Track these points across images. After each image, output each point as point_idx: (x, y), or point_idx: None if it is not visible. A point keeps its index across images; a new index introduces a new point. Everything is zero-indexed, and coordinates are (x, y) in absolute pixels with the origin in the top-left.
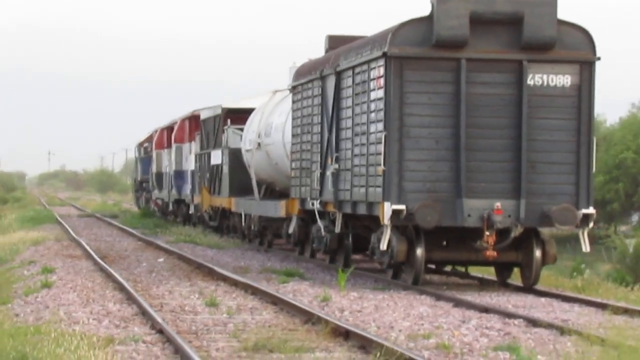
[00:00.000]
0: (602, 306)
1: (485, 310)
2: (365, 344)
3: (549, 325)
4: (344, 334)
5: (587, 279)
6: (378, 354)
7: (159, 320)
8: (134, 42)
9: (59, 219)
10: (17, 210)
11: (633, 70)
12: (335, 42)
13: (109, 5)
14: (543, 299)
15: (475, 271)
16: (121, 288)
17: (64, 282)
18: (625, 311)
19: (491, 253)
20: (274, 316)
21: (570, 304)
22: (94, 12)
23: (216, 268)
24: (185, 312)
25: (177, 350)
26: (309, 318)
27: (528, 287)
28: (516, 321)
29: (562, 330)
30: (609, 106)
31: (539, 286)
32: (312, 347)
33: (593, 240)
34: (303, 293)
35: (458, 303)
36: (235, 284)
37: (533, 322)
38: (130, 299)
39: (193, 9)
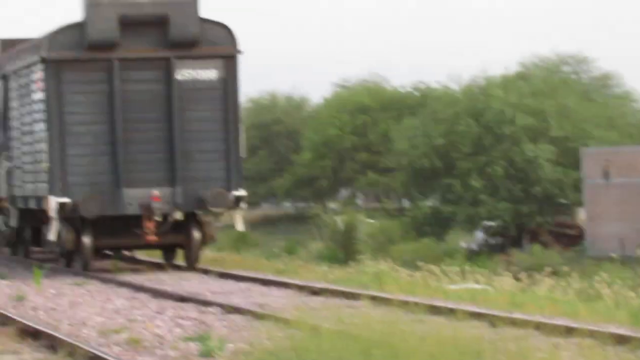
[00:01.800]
0: (300, 288)
1: (182, 299)
2: (54, 343)
3: (245, 311)
4: (33, 334)
5: (288, 261)
6: (65, 353)
7: None
8: None
9: None
10: None
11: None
12: (8, 45)
13: None
14: (242, 284)
15: (147, 255)
16: None
17: None
18: (323, 291)
19: (152, 237)
20: None
21: (268, 288)
22: None
23: None
24: None
25: None
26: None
27: (191, 267)
28: (212, 309)
29: (256, 315)
30: (314, 85)
31: (240, 270)
32: (0, 351)
33: (304, 218)
34: None
35: (156, 294)
36: None
37: (229, 309)
38: None
39: None
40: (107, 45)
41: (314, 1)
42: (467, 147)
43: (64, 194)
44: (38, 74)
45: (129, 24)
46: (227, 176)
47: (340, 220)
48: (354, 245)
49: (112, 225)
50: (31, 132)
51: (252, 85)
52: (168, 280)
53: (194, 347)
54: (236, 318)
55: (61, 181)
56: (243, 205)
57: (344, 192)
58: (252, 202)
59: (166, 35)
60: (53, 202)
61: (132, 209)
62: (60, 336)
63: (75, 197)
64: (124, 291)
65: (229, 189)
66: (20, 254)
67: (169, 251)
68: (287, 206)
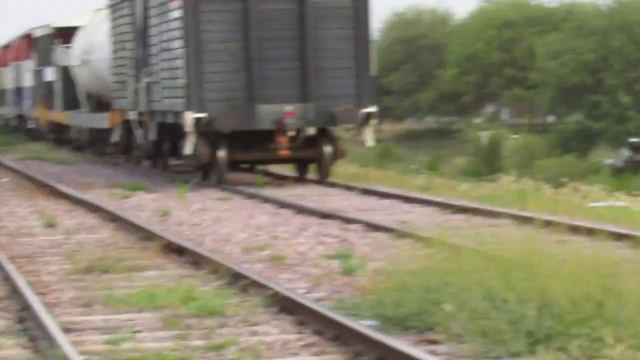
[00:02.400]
0: (443, 205)
1: (326, 216)
2: (198, 259)
3: (387, 229)
4: (178, 250)
5: (431, 178)
6: (207, 270)
7: None
8: None
9: None
10: None
11: None
12: None
13: None
14: (385, 201)
15: (281, 170)
16: None
17: None
18: (466, 209)
19: (284, 152)
20: (112, 234)
21: (411, 205)
22: None
23: (58, 186)
24: (22, 235)
25: (6, 277)
26: (145, 235)
27: (322, 180)
28: (355, 226)
29: (398, 233)
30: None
31: (383, 187)
32: (145, 266)
33: (448, 133)
34: (144, 208)
35: (300, 210)
36: (77, 201)
37: (372, 227)
38: None
39: None
40: None
41: None
42: (619, 63)
43: (199, 109)
44: None
45: None
46: (358, 93)
47: (484, 136)
48: (498, 161)
49: (246, 140)
50: (169, 49)
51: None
52: (311, 196)
53: (336, 264)
54: (378, 235)
55: (197, 97)
56: (373, 121)
57: (488, 108)
58: (396, 115)
59: None
60: (189, 117)
61: (265, 124)
62: (204, 253)
63: (210, 112)
64: (268, 207)
65: (359, 105)
66: (158, 167)
67: (301, 165)
68: (431, 121)
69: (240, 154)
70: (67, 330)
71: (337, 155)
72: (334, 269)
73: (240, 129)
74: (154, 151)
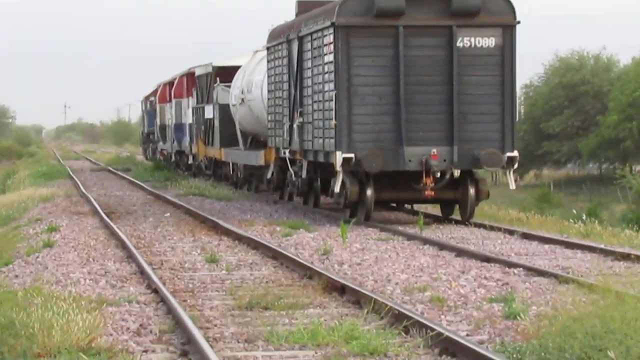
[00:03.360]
0: (605, 252)
1: (486, 259)
2: (359, 298)
3: (549, 274)
4: (339, 289)
5: (591, 224)
6: (369, 309)
7: (155, 279)
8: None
9: (71, 173)
10: (31, 165)
11: None
12: (303, 7)
13: None
14: (546, 246)
15: (428, 209)
16: (123, 246)
17: (66, 241)
18: (628, 257)
19: (429, 192)
20: (273, 271)
21: (573, 251)
22: None
23: (220, 222)
24: (184, 269)
25: (170, 310)
26: (306, 273)
27: (465, 221)
28: (516, 270)
29: (560, 279)
30: (623, 47)
31: (544, 232)
32: (307, 304)
33: (608, 180)
34: (305, 246)
35: (460, 252)
36: (238, 238)
37: (533, 271)
38: (130, 257)
39: None
40: (394, 14)
41: None
42: None
43: (349, 149)
44: (329, 37)
45: None
46: (501, 137)
47: None
48: None
49: (392, 180)
50: (322, 92)
51: (561, 43)
52: (472, 239)
53: (497, 308)
54: (540, 280)
55: (347, 138)
56: (515, 165)
57: None
58: (556, 160)
59: (449, 5)
60: (339, 157)
61: (412, 166)
62: (366, 292)
63: (359, 152)
64: (428, 248)
65: (502, 149)
66: (310, 204)
67: (446, 206)
68: (591, 167)
69: (387, 193)
70: None
71: (480, 197)
72: (496, 312)
73: (387, 169)
74: (306, 189)
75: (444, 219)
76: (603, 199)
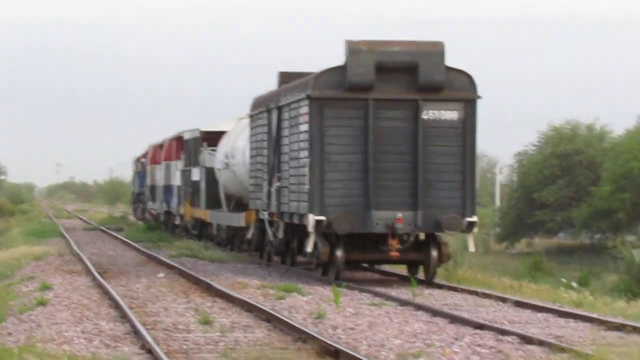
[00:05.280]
0: (598, 322)
1: (480, 326)
2: None
3: (543, 343)
4: (333, 353)
5: (582, 294)
6: None
7: (149, 339)
8: (140, 58)
9: (63, 232)
10: (23, 223)
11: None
12: (285, 78)
13: (113, 25)
14: (539, 314)
15: (398, 269)
16: (117, 305)
17: (59, 300)
18: (621, 327)
19: (395, 254)
20: (267, 334)
21: (566, 320)
22: (99, 30)
23: (214, 284)
24: (178, 330)
25: None
26: (300, 336)
27: (428, 281)
28: (510, 338)
29: (554, 348)
30: (617, 116)
31: (537, 301)
32: None
33: (600, 250)
34: (299, 310)
35: (453, 319)
36: (231, 300)
37: (527, 339)
38: (124, 317)
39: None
40: (365, 87)
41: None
42: None
43: (321, 212)
44: (304, 108)
45: (384, 69)
46: (462, 203)
47: (637, 254)
48: None
49: (361, 242)
50: (297, 158)
51: (554, 111)
52: (464, 306)
53: None
54: (534, 349)
55: (319, 201)
56: (474, 229)
57: None
58: (548, 229)
59: (415, 80)
60: (312, 219)
61: (379, 228)
62: (360, 357)
63: (330, 215)
64: (421, 314)
65: (463, 215)
66: (287, 263)
67: (411, 266)
68: (583, 236)
69: (356, 254)
70: None
71: (443, 259)
72: None
73: (355, 232)
74: (283, 248)
75: (410, 277)
76: (594, 269)
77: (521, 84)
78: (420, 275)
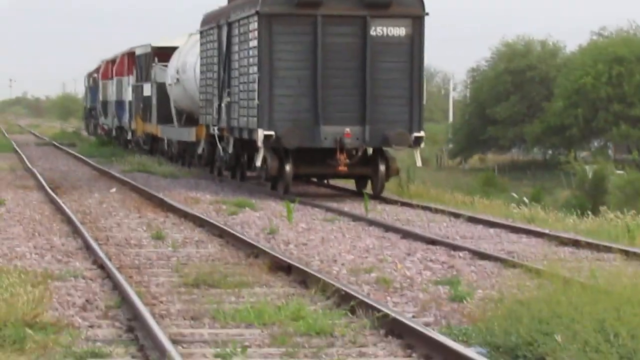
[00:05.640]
0: (549, 237)
1: (432, 242)
2: (306, 278)
3: (494, 258)
4: (285, 269)
5: (534, 209)
6: (315, 289)
7: (101, 254)
8: None
9: (16, 147)
10: None
11: None
12: None
13: None
14: (492, 230)
15: (342, 183)
16: (69, 221)
17: (11, 215)
18: (573, 242)
19: (343, 168)
20: (219, 249)
21: (518, 235)
22: None
23: (166, 199)
24: (130, 246)
25: (116, 286)
26: (253, 251)
27: (376, 195)
28: (462, 253)
29: (505, 263)
30: (569, 34)
31: (489, 216)
32: (253, 282)
33: (553, 166)
34: (251, 225)
35: (406, 234)
36: (184, 215)
37: (479, 255)
38: (76, 232)
39: None
40: (313, 4)
41: None
42: None
43: (269, 127)
44: (253, 24)
45: None
46: (409, 119)
47: (589, 170)
48: (602, 196)
49: (310, 156)
50: (247, 74)
51: (508, 29)
52: (417, 222)
53: (443, 291)
54: (485, 264)
55: (268, 116)
56: (421, 144)
57: (594, 142)
58: (501, 145)
59: None
60: (261, 134)
61: (327, 143)
62: (312, 272)
63: (279, 130)
64: (374, 230)
65: (410, 130)
66: (237, 177)
67: (359, 181)
68: (536, 152)
69: (304, 168)
70: (176, 342)
71: (390, 173)
72: (441, 294)
73: (304, 146)
74: (233, 163)
75: (358, 192)
76: (547, 184)
77: None
78: (369, 190)
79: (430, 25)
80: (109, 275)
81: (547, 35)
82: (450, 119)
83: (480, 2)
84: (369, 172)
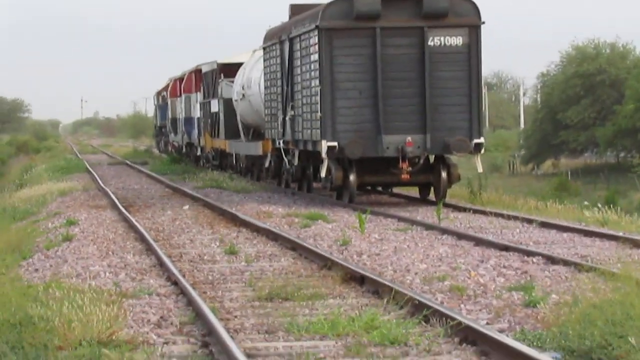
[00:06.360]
0: (623, 240)
1: (505, 248)
2: (379, 288)
3: (568, 262)
4: (359, 279)
5: (609, 212)
6: (389, 299)
7: (175, 271)
8: None
9: (89, 167)
10: (48, 159)
11: None
12: (296, 10)
13: None
14: (565, 234)
15: (405, 191)
16: (142, 239)
17: (85, 235)
18: None
19: (405, 176)
20: (292, 262)
21: (592, 239)
22: None
23: (239, 214)
24: (203, 262)
25: (190, 302)
26: (326, 263)
27: (439, 201)
28: (535, 259)
29: (580, 267)
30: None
31: (562, 221)
32: (326, 294)
33: (626, 168)
34: (324, 237)
35: (479, 242)
36: (257, 230)
37: (552, 260)
38: (149, 249)
39: None
40: (372, 16)
41: None
42: None
43: (333, 138)
44: (314, 39)
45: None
46: (469, 126)
47: None
48: None
49: (373, 166)
50: (309, 87)
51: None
52: (490, 229)
53: (517, 297)
54: (559, 269)
55: (331, 128)
56: (482, 150)
57: None
58: (572, 150)
59: (420, 8)
60: (324, 145)
61: (389, 152)
62: (385, 282)
63: (342, 141)
64: (447, 238)
65: (470, 137)
66: (304, 189)
67: (422, 189)
68: (609, 156)
69: (368, 178)
70: (250, 356)
71: (452, 179)
72: (515, 300)
73: (367, 156)
74: (299, 175)
75: (422, 200)
76: (620, 187)
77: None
78: (431, 197)
79: (498, 32)
80: (183, 292)
81: (617, 37)
82: (522, 124)
83: (550, 7)
84: (431, 180)
